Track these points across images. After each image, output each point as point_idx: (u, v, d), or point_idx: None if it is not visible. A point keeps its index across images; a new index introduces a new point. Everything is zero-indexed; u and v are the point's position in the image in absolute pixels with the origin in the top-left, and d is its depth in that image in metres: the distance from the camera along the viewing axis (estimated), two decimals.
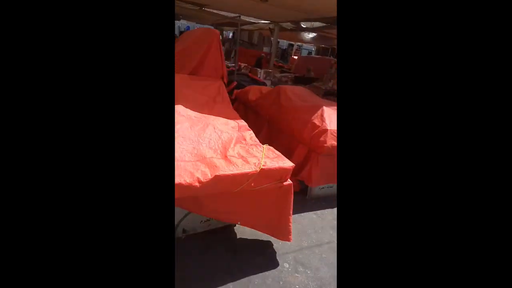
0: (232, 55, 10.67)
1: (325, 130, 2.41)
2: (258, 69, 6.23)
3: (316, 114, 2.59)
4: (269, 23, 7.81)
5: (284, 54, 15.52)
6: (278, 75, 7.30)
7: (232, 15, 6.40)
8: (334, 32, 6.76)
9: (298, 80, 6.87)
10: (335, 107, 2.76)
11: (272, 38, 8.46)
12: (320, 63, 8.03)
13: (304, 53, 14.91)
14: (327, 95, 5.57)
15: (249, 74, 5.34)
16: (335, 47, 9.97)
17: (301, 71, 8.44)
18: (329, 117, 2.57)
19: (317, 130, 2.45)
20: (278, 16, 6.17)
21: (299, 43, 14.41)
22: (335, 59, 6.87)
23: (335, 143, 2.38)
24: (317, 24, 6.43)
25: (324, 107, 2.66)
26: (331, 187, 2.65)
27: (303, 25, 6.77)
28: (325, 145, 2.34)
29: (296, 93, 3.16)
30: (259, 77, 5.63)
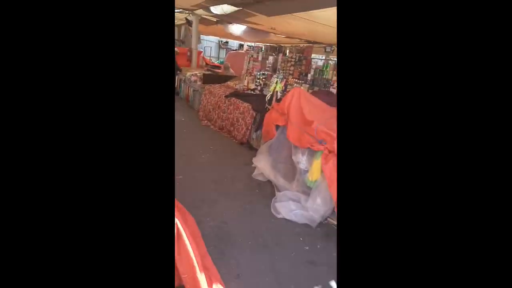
0: None
1: None
2: None
3: None
4: (183, 12, 6.38)
5: None
6: (188, 74, 5.85)
7: None
8: (258, 21, 5.42)
9: (209, 79, 5.44)
10: None
11: (192, 32, 6.97)
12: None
13: None
14: (229, 97, 4.18)
15: None
16: (283, 44, 8.76)
17: (237, 69, 7.18)
18: None
19: None
20: None
21: (250, 43, 13.26)
22: (252, 52, 5.51)
23: None
24: (227, 8, 5.06)
25: None
26: None
27: (213, 10, 5.38)
28: None
29: None
30: None
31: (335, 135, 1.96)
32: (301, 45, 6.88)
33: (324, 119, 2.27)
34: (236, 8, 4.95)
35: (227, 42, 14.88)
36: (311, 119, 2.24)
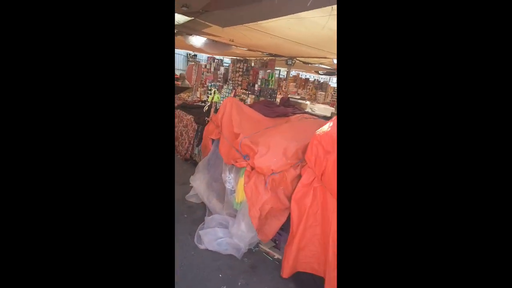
0: None
1: None
2: None
3: None
4: None
5: None
6: None
7: None
8: (215, 32, 5.22)
9: None
10: None
11: None
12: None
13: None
14: (174, 108, 3.87)
15: None
16: (248, 57, 8.65)
17: (189, 80, 7.00)
18: None
19: None
20: None
21: (219, 57, 13.14)
22: (206, 63, 5.31)
23: None
24: (178, 18, 4.84)
25: None
26: None
27: None
28: None
29: None
30: None
31: (257, 149, 1.72)
32: (265, 58, 6.81)
33: (253, 131, 2.04)
34: (187, 18, 4.75)
35: (195, 55, 14.69)
36: (238, 132, 2.00)
